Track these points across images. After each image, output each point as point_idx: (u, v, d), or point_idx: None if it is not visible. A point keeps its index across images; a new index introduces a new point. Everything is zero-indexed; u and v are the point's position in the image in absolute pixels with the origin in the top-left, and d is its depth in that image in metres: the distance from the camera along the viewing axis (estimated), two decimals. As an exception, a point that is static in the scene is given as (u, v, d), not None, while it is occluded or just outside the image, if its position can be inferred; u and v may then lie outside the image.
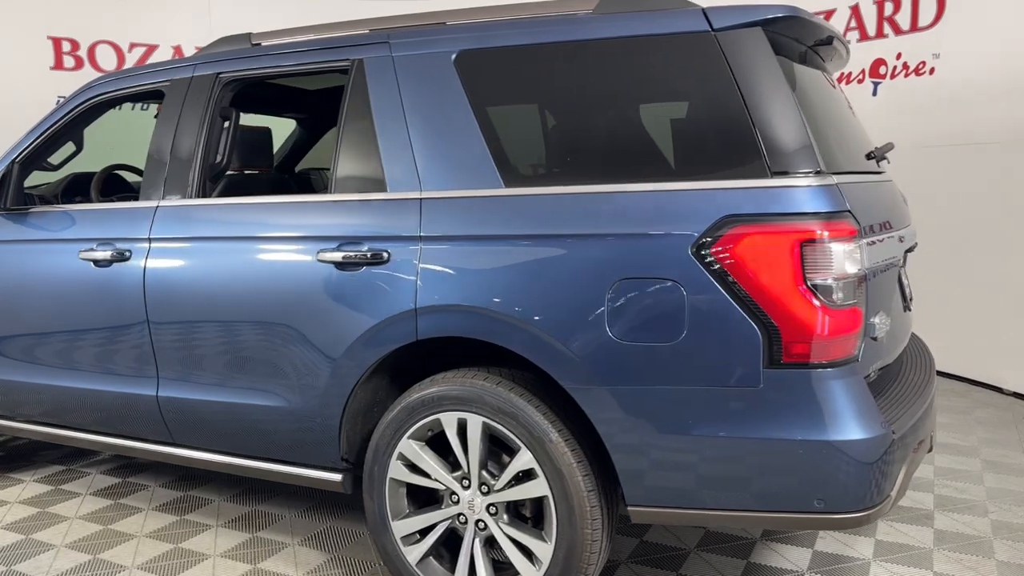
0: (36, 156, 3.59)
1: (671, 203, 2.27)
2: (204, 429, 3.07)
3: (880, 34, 6.44)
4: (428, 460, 2.64)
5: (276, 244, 2.81)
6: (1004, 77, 5.53)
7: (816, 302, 2.15)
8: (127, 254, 3.11)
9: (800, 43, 2.63)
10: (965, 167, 5.78)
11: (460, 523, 2.63)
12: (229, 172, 3.37)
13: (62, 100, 3.66)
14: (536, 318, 2.35)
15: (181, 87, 3.17)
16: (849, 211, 2.23)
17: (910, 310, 2.96)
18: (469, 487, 2.58)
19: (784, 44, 2.50)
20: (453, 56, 2.62)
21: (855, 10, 6.58)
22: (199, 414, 3.04)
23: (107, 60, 7.15)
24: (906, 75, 6.27)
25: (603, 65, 2.42)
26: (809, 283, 2.16)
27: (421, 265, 2.52)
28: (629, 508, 2.39)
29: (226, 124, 3.12)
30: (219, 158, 3.10)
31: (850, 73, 6.64)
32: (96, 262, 3.18)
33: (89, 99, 3.48)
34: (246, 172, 3.75)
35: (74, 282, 3.24)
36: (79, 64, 7.11)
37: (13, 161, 3.52)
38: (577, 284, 2.31)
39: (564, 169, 2.48)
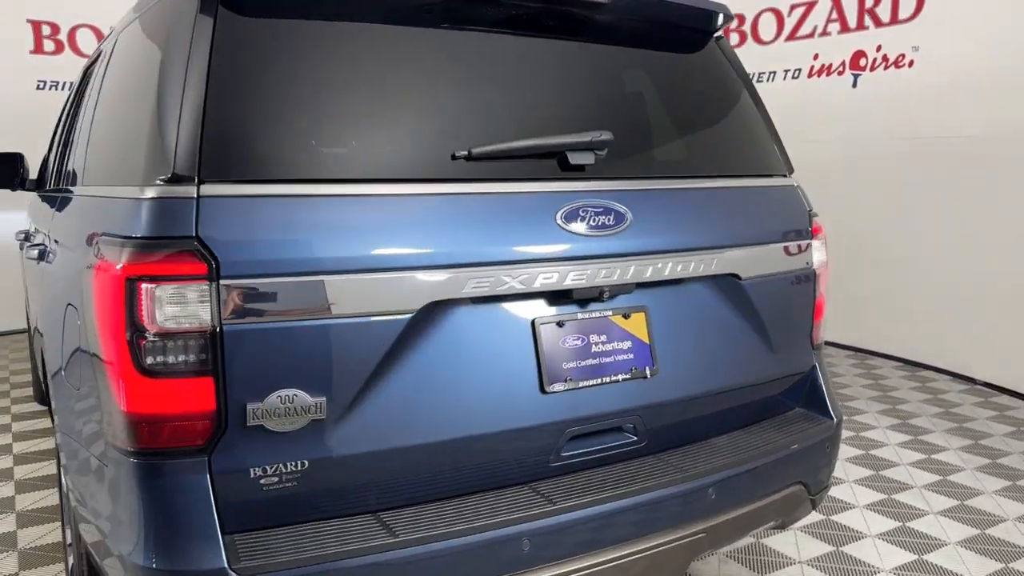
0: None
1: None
2: None
3: (861, 26, 6.49)
4: None
5: None
6: (983, 70, 5.59)
7: (136, 366, 1.55)
8: None
9: None
10: (946, 159, 5.84)
11: None
12: None
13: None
14: None
15: None
16: (198, 238, 1.54)
17: (620, 380, 1.98)
18: None
19: None
20: None
21: (836, 2, 6.62)
22: None
23: (88, 44, 7.08)
24: (886, 67, 6.32)
25: None
26: (129, 338, 1.54)
27: None
28: None
29: None
30: None
31: (830, 65, 6.69)
32: None
33: None
34: None
35: None
36: (59, 48, 7.04)
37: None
38: None
39: None
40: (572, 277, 1.87)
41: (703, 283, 2.13)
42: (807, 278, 2.39)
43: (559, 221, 1.86)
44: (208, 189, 1.57)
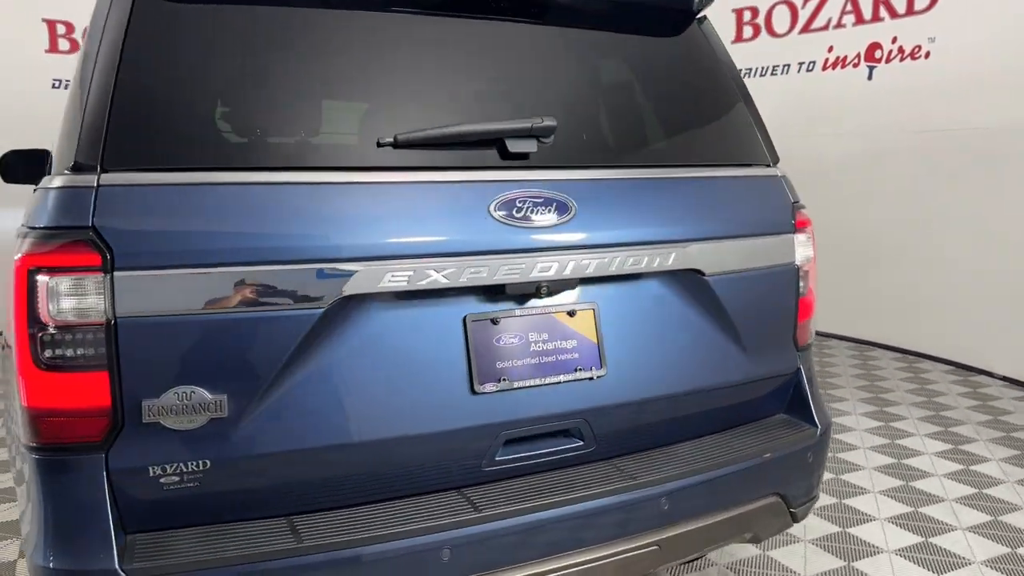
0: None
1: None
2: None
3: (876, 18, 6.41)
4: None
5: None
6: (1001, 62, 5.51)
7: (34, 360, 1.51)
8: None
9: None
10: (962, 152, 5.77)
11: None
12: None
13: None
14: None
15: None
16: (93, 228, 1.50)
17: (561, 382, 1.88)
18: None
19: None
20: None
21: (851, -7, 6.56)
22: None
23: (102, 43, 7.09)
24: (901, 59, 6.25)
25: None
26: (32, 331, 1.51)
27: None
28: None
29: None
30: None
31: (845, 57, 6.62)
32: None
33: None
34: None
35: None
36: (74, 47, 7.09)
37: None
38: None
39: None
40: (504, 272, 1.76)
41: (661, 279, 2.00)
42: (788, 275, 2.21)
43: (493, 212, 1.76)
44: (109, 178, 1.53)
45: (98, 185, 1.52)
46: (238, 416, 1.59)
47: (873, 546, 3.10)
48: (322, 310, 1.63)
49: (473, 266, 1.73)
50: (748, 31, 7.28)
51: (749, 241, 2.12)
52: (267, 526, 1.64)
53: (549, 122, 1.84)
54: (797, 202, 2.26)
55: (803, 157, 6.94)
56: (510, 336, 1.82)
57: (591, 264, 1.85)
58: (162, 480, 1.57)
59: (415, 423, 1.74)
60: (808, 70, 6.89)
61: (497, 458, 1.84)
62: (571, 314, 1.89)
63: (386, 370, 1.72)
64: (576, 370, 1.88)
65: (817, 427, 2.25)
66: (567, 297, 1.89)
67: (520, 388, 1.82)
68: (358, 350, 1.69)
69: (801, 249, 2.23)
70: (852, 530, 3.23)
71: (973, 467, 3.90)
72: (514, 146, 1.82)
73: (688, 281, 2.03)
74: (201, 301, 1.55)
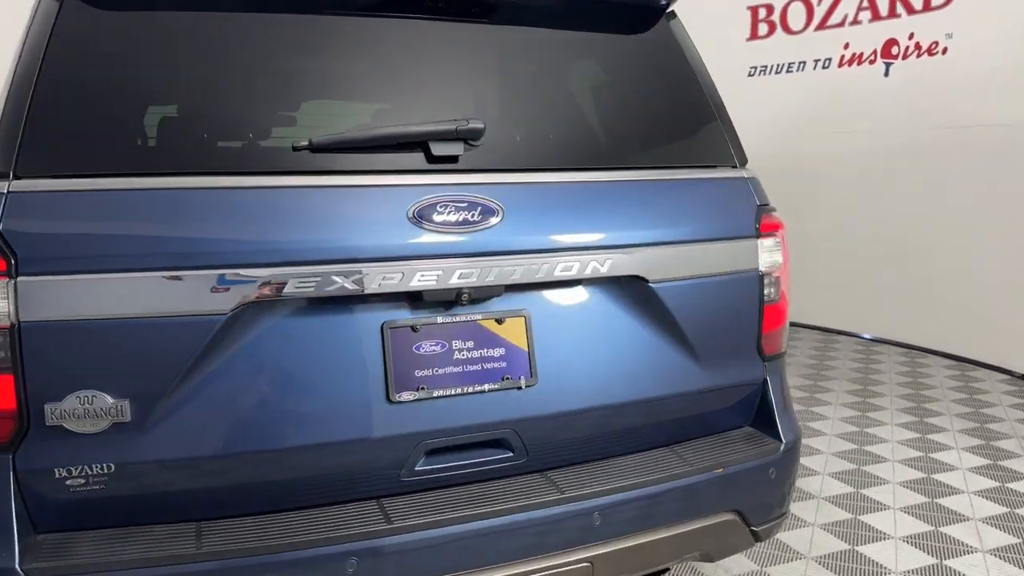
0: None
1: None
2: None
3: (893, 14, 6.32)
4: None
5: None
6: (1018, 57, 5.42)
7: None
8: None
9: None
10: (981, 148, 5.69)
11: None
12: None
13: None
14: None
15: None
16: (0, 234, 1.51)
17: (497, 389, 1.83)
18: None
19: None
20: None
21: (867, -11, 6.48)
22: None
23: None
24: (919, 55, 6.16)
25: None
26: None
27: None
28: None
29: None
30: None
31: (861, 54, 6.54)
32: None
33: None
34: None
35: None
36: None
37: None
38: None
39: None
40: (419, 279, 1.71)
41: (601, 286, 1.92)
42: (750, 282, 2.09)
43: (411, 217, 1.70)
44: (20, 185, 1.53)
45: (8, 192, 1.53)
46: (141, 421, 1.59)
47: (882, 567, 2.97)
48: (225, 316, 1.60)
49: (385, 273, 1.68)
50: (763, 28, 7.20)
51: (702, 246, 2.01)
52: (174, 530, 1.64)
53: (476, 124, 1.77)
54: (765, 205, 2.14)
55: (819, 155, 6.87)
56: (432, 344, 1.77)
57: (517, 270, 1.79)
58: (68, 482, 1.57)
59: (326, 431, 1.70)
60: (824, 67, 6.81)
61: (418, 468, 1.79)
62: (500, 321, 1.83)
63: (297, 377, 1.68)
64: (503, 379, 1.82)
65: (781, 441, 2.13)
66: (498, 304, 1.82)
67: (441, 397, 1.76)
68: (267, 356, 1.66)
69: (767, 255, 2.11)
70: (861, 548, 3.10)
71: (1009, 484, 3.68)
72: (439, 149, 1.77)
73: (631, 288, 1.94)
74: (104, 306, 1.54)
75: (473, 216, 1.75)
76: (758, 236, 2.09)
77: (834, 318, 6.86)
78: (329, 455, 1.72)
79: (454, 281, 1.74)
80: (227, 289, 1.60)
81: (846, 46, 6.62)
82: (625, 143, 2.15)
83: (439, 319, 1.78)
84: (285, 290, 1.63)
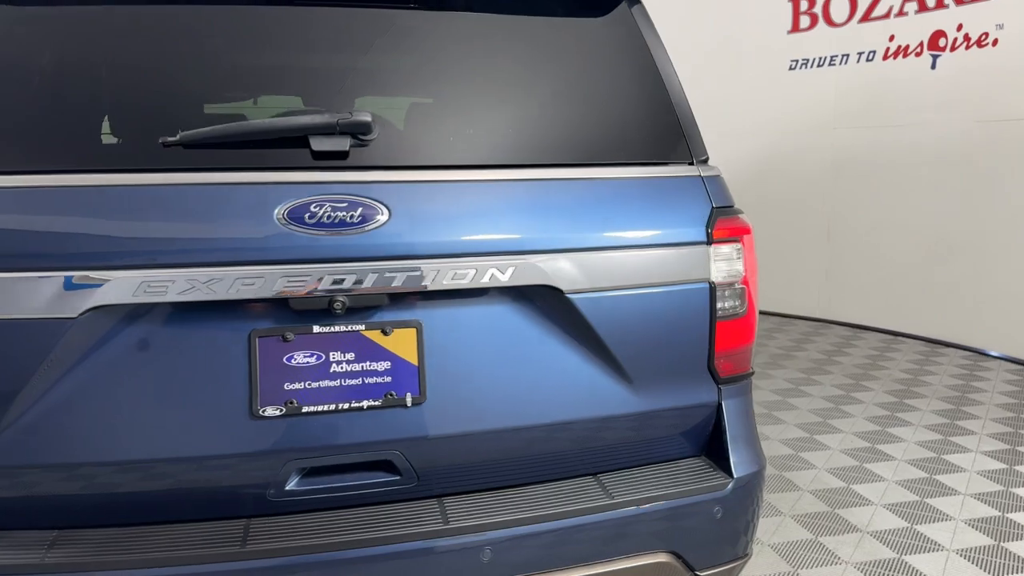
0: None
1: None
2: None
3: (940, 5, 6.12)
4: None
5: None
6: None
7: None
8: None
9: None
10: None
11: None
12: None
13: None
14: None
15: None
16: None
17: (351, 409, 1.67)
18: None
19: None
20: None
21: (912, -22, 6.30)
22: None
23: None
24: (967, 47, 5.97)
25: None
26: None
27: None
28: None
29: None
30: None
31: (907, 46, 6.37)
32: None
33: None
34: None
35: None
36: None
37: None
38: None
39: None
40: (284, 284, 1.56)
41: (509, 296, 1.72)
42: (698, 294, 1.84)
43: (279, 217, 1.56)
44: None
45: None
46: None
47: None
48: (72, 321, 1.50)
49: (245, 277, 1.54)
50: (805, 21, 7.04)
51: (634, 253, 1.78)
52: (29, 538, 1.57)
53: (361, 117, 1.60)
54: (724, 207, 1.88)
55: (863, 150, 6.71)
56: (306, 355, 1.62)
57: (399, 278, 1.61)
58: None
59: (180, 445, 1.58)
60: (868, 60, 6.64)
61: (289, 488, 1.64)
62: (386, 333, 1.66)
63: (152, 386, 1.56)
64: (387, 396, 1.65)
65: (731, 476, 1.87)
66: (384, 314, 1.65)
67: (313, 413, 1.62)
68: (121, 364, 1.55)
69: (722, 264, 1.86)
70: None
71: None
72: (321, 144, 1.62)
73: (543, 299, 1.73)
74: None
75: (352, 217, 1.59)
76: (710, 242, 1.84)
77: (888, 319, 6.72)
78: (186, 470, 1.59)
79: (324, 288, 1.58)
80: (73, 293, 1.50)
81: (891, 38, 6.44)
82: (552, 137, 1.93)
83: (316, 328, 1.62)
84: (134, 296, 1.51)
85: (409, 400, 1.66)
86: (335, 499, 1.69)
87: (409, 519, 1.67)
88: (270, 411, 1.60)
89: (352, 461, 1.68)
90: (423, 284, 1.63)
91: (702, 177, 1.90)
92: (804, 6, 6.99)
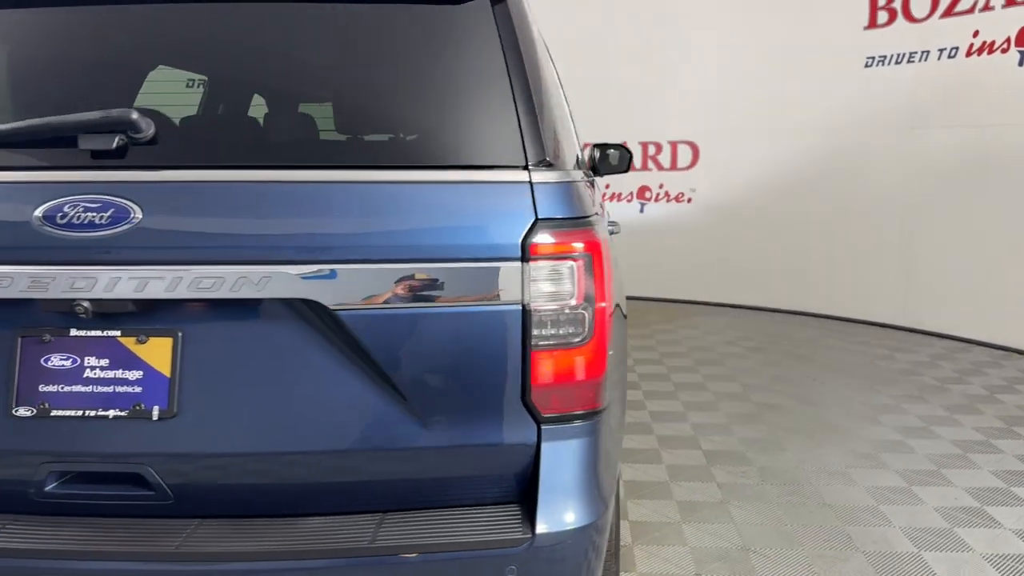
0: None
1: None
2: None
3: (1029, -4, 5.82)
4: None
5: None
6: None
7: None
8: None
9: None
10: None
11: None
12: None
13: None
14: None
15: None
16: None
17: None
18: None
19: None
20: None
21: (997, -30, 5.97)
22: None
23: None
24: (1058, 42, 5.63)
25: None
26: None
27: None
28: None
29: None
30: None
31: (993, 42, 6.04)
32: None
33: None
34: None
35: None
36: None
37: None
38: None
39: None
40: (28, 284, 1.54)
41: (277, 310, 1.60)
42: (507, 317, 1.61)
43: (36, 217, 1.54)
44: None
45: None
46: None
47: None
48: None
49: (4, 277, 1.54)
50: (883, 16, 6.75)
51: (422, 267, 1.59)
52: None
53: (120, 115, 1.55)
54: (557, 219, 1.63)
55: (943, 151, 6.41)
56: (62, 358, 1.60)
57: (146, 283, 1.54)
58: None
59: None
60: (950, 57, 6.32)
61: (48, 490, 1.62)
62: (142, 341, 1.60)
63: None
64: (135, 407, 1.59)
65: (532, 533, 1.59)
66: (141, 321, 1.59)
67: (62, 417, 1.58)
68: None
69: (544, 285, 1.61)
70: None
71: None
72: (91, 143, 1.57)
73: (313, 315, 1.59)
74: None
75: (102, 219, 1.54)
76: (526, 259, 1.60)
77: (959, 324, 6.40)
78: None
79: (64, 290, 1.54)
80: None
81: (975, 34, 6.11)
82: (347, 136, 1.83)
83: (73, 332, 1.60)
84: None
85: (156, 413, 1.59)
86: (92, 507, 1.65)
87: (147, 537, 1.59)
88: (22, 411, 1.59)
89: (102, 471, 1.63)
90: (171, 291, 1.55)
91: (532, 184, 1.64)
92: (882, 1, 6.71)
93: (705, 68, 7.67)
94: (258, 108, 1.85)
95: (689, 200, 8.03)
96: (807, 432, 4.23)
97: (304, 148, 1.81)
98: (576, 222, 1.65)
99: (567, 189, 1.68)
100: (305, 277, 1.56)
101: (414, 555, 1.56)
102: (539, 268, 1.61)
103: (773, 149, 7.44)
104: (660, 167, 8.15)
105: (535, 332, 1.61)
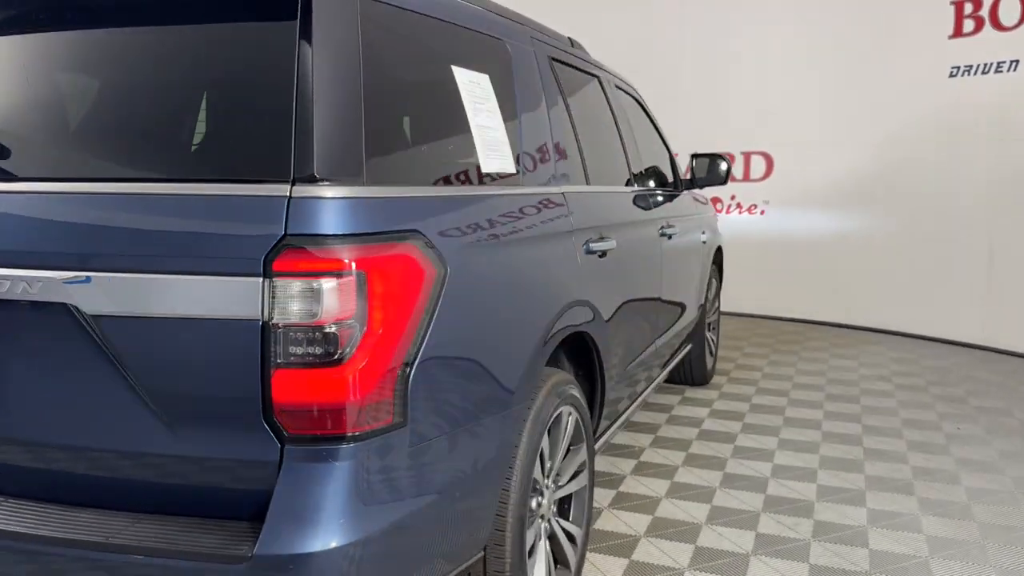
0: None
1: None
2: None
3: None
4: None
5: None
6: None
7: None
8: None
9: None
10: None
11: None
12: None
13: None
14: None
15: None
16: None
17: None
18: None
19: None
20: None
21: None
22: None
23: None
24: None
25: None
26: None
27: None
28: None
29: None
30: None
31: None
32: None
33: None
34: None
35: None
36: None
37: None
38: None
39: None
40: None
41: (44, 313, 1.70)
42: (245, 332, 1.59)
43: None
44: None
45: None
46: None
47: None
48: None
49: None
50: (969, 25, 6.52)
51: (168, 278, 1.62)
52: None
53: None
54: (310, 235, 1.59)
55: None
56: None
57: None
58: None
59: None
60: (1041, 67, 6.09)
61: None
62: None
63: None
64: None
65: (249, 556, 1.55)
66: None
67: None
68: None
69: (290, 302, 1.58)
70: None
71: None
72: None
73: (73, 318, 1.68)
74: None
75: None
76: (268, 275, 1.58)
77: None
78: None
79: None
80: None
81: (1069, 42, 5.87)
82: (108, 147, 1.90)
83: None
84: None
85: None
86: None
87: None
88: None
89: None
90: None
91: (289, 199, 1.60)
92: (969, 9, 6.48)
93: (780, 78, 7.54)
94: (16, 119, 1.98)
95: (762, 212, 7.89)
96: None
97: (65, 159, 1.91)
98: (349, 239, 1.61)
99: (341, 205, 1.63)
100: (67, 282, 1.67)
101: (140, 557, 1.60)
102: (284, 285, 1.59)
103: (854, 160, 7.27)
104: (732, 178, 8.04)
105: (276, 349, 1.60)
